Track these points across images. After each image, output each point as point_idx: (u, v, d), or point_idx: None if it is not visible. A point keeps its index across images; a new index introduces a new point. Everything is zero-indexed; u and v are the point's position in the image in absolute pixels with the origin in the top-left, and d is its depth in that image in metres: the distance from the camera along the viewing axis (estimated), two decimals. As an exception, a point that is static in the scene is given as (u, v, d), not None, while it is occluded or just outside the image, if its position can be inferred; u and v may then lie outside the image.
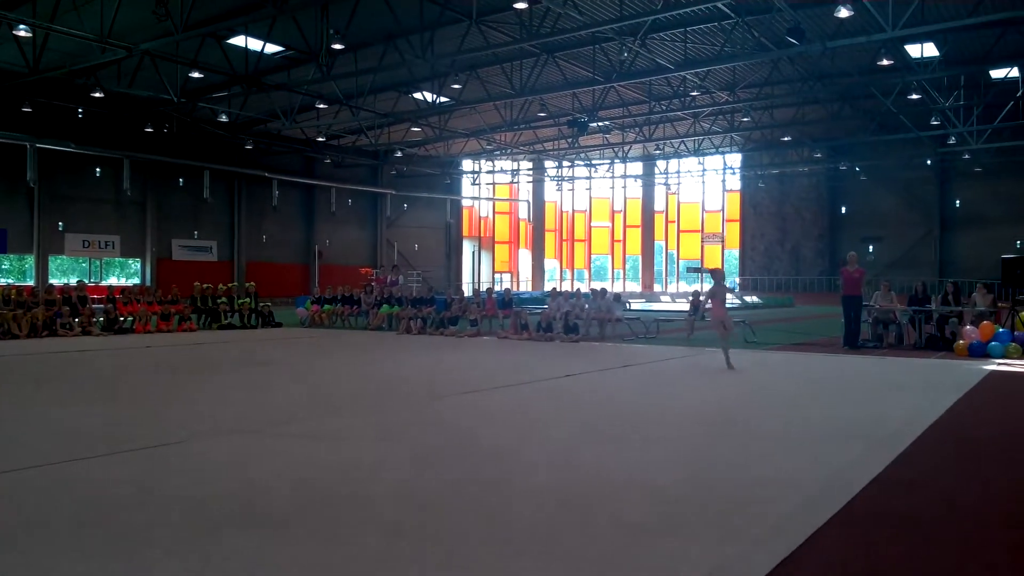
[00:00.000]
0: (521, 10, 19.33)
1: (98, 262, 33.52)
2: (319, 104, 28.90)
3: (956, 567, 3.46)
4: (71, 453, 5.53)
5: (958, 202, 40.55)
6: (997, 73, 27.53)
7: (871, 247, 41.63)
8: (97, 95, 25.66)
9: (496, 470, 5.21)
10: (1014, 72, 27.18)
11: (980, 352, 13.14)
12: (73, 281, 19.62)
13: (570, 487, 4.77)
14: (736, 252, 48.84)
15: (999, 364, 12.05)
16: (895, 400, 8.56)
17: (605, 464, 5.37)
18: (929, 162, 39.03)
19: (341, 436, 6.41)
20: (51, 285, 19.73)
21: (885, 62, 23.09)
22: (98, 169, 32.10)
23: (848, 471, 5.12)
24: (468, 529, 3.92)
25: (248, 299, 21.30)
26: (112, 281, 32.63)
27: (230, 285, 22.69)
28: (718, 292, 11.64)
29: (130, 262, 34.63)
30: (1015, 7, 20.12)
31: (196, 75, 24.03)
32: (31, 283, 28.15)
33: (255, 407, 7.91)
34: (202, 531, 3.85)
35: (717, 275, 12.22)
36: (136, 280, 33.43)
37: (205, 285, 21.27)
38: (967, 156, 36.63)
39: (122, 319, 18.71)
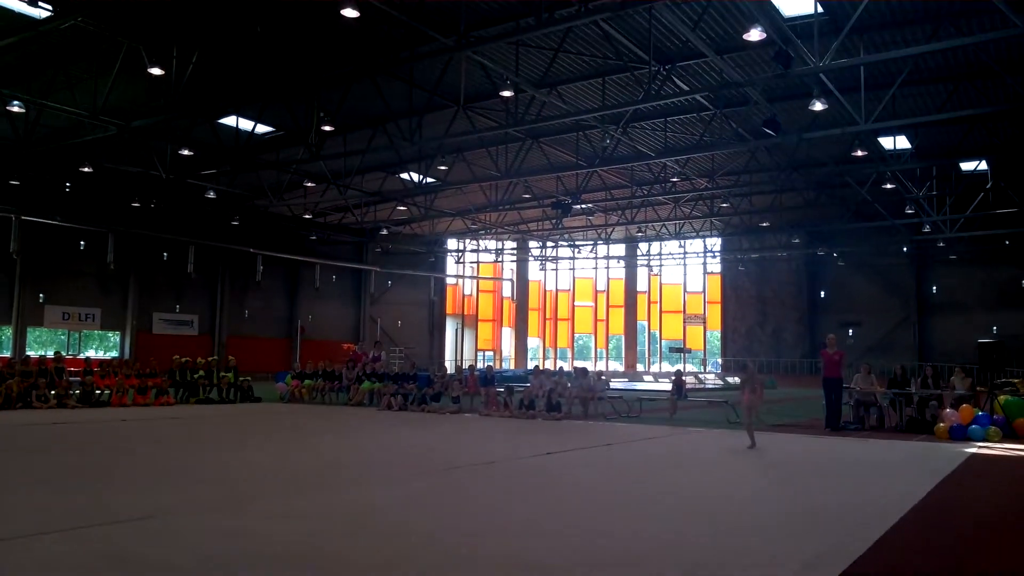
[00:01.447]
0: (507, 98, 19.93)
1: (77, 334, 33.21)
2: (307, 183, 29.34)
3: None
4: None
5: (935, 288, 41.26)
6: (967, 165, 28.50)
7: (850, 331, 42.06)
8: (86, 169, 25.95)
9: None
10: (983, 165, 28.14)
11: (961, 435, 13.19)
12: (50, 353, 19.38)
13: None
14: (718, 333, 49.15)
15: (980, 447, 12.09)
16: (877, 483, 8.56)
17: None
18: (905, 249, 39.87)
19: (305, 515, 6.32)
20: (27, 356, 19.50)
21: (859, 153, 23.87)
22: (82, 242, 32.16)
23: (827, 556, 5.09)
24: None
25: (228, 373, 21.12)
26: (90, 354, 32.24)
27: (210, 359, 22.49)
28: (747, 383, 12.09)
29: (110, 335, 34.33)
30: (980, 105, 21.02)
31: (186, 152, 24.39)
32: (7, 354, 27.79)
33: (218, 484, 7.78)
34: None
35: (748, 372, 12.69)
36: (115, 353, 33.09)
37: (184, 359, 21.09)
38: (941, 244, 37.46)
39: (99, 392, 18.46)
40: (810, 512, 6.69)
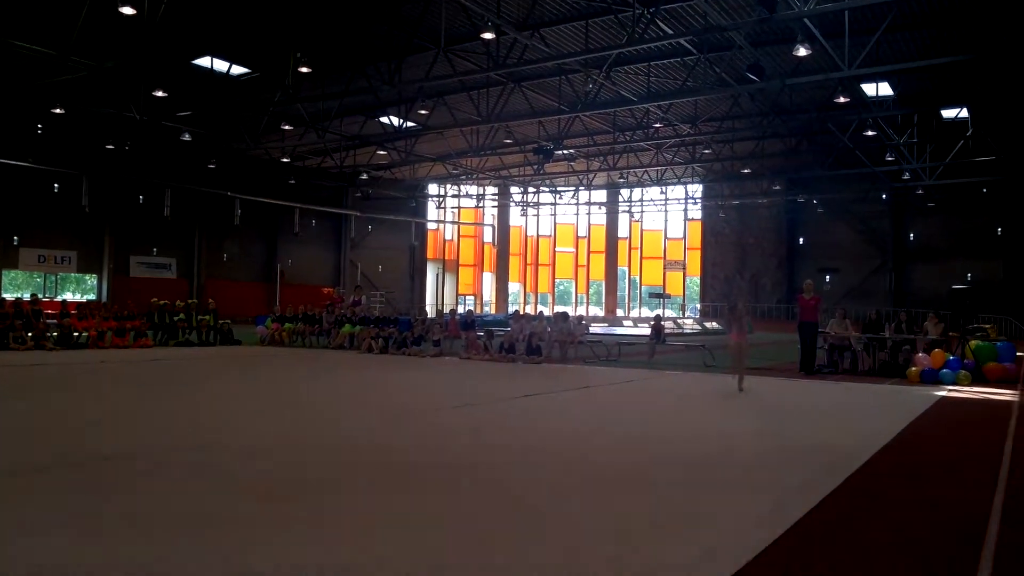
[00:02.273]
0: (488, 40, 19.60)
1: (53, 277, 32.86)
2: (284, 125, 28.86)
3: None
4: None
5: (912, 235, 41.67)
6: (948, 113, 28.56)
7: (827, 277, 42.53)
8: (58, 111, 25.34)
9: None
10: (963, 113, 28.21)
11: (931, 379, 13.51)
12: (27, 296, 19.20)
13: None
14: (697, 279, 49.54)
15: (950, 390, 12.39)
16: (848, 425, 8.78)
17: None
18: (884, 196, 40.13)
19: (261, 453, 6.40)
20: (3, 299, 19.31)
21: (842, 99, 23.84)
22: (56, 185, 31.58)
23: (801, 491, 5.25)
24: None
25: (207, 316, 21.04)
26: (67, 297, 31.97)
27: (189, 301, 22.39)
28: (735, 323, 12.11)
29: (86, 278, 34.01)
30: (963, 51, 20.98)
31: (160, 94, 23.87)
32: (-18, 298, 27.48)
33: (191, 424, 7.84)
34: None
35: (737, 312, 12.66)
36: (92, 296, 32.82)
37: (163, 301, 20.97)
38: (920, 191, 37.74)
39: (77, 334, 18.37)
40: (783, 451, 6.86)
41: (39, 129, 28.48)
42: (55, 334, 18.26)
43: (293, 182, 39.12)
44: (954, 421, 9.33)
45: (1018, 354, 16.79)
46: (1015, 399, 11.40)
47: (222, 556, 3.63)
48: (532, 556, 3.74)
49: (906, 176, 35.10)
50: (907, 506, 4.99)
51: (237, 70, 23.92)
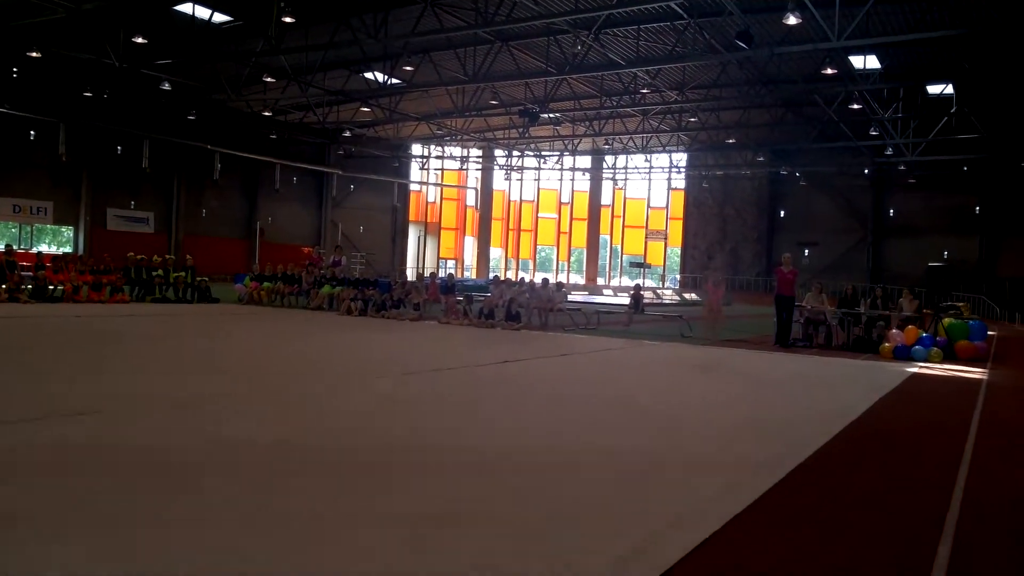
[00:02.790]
0: (477, -5, 19.27)
1: (29, 228, 32.36)
2: (266, 78, 28.32)
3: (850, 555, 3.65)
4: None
5: (891, 211, 41.93)
6: (934, 89, 28.56)
7: (806, 251, 42.79)
8: (34, 55, 24.68)
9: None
10: (949, 89, 28.23)
11: (904, 355, 13.67)
12: (1, 246, 18.88)
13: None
14: (678, 250, 49.68)
15: (921, 367, 12.55)
16: (820, 399, 8.88)
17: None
18: (866, 171, 40.24)
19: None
20: (-24, 249, 18.98)
21: (829, 71, 23.73)
22: (32, 132, 30.94)
23: (771, 463, 5.30)
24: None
25: (184, 272, 20.79)
26: (43, 248, 31.51)
27: (166, 257, 22.13)
28: (712, 277, 12.13)
29: (63, 229, 33.52)
30: (952, 26, 20.90)
31: (140, 40, 23.30)
32: (-46, 246, 27.00)
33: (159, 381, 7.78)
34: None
35: (714, 264, 12.63)
36: (68, 248, 32.36)
37: (139, 256, 20.70)
38: (902, 167, 37.87)
39: (52, 287, 18.12)
40: (756, 422, 6.93)
41: (14, 73, 27.76)
42: (29, 287, 18.00)
43: (274, 137, 38.57)
44: (922, 398, 9.46)
45: (990, 333, 17.05)
46: (984, 377, 11.57)
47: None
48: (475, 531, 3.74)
49: (889, 151, 35.18)
50: (870, 483, 5.05)
51: (219, 18, 23.37)
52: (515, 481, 4.54)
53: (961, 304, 29.60)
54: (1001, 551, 3.85)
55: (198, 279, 21.16)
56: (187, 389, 7.12)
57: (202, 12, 22.61)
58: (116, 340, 11.29)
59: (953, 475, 5.21)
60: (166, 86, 28.58)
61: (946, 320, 15.58)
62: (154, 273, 20.26)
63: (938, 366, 12.91)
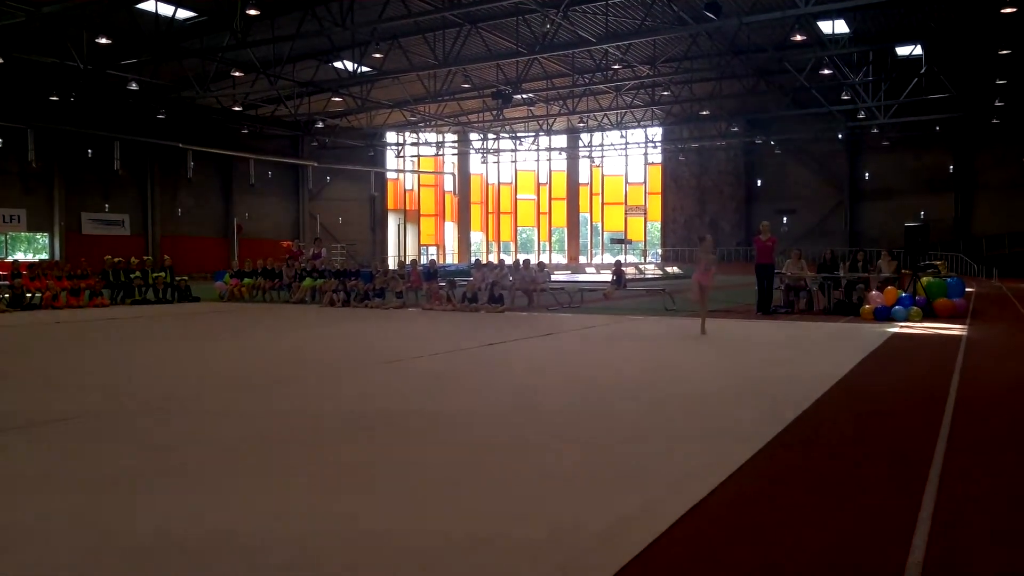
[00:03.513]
0: (443, -22, 19.13)
1: (3, 237, 31.94)
2: (235, 72, 28.03)
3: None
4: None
5: (867, 174, 42.27)
6: (903, 50, 28.72)
7: (785, 219, 43.09)
8: (-4, 61, 24.33)
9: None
10: (918, 50, 28.39)
11: (885, 315, 13.82)
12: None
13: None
14: (658, 224, 49.84)
15: (901, 327, 12.70)
16: (804, 362, 8.98)
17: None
18: (840, 136, 40.50)
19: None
20: (-51, 261, 18.76)
21: (798, 37, 23.82)
22: (0, 139, 30.46)
23: (761, 424, 5.37)
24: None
25: (163, 273, 20.60)
26: (19, 256, 31.13)
27: (144, 258, 21.93)
28: (703, 259, 12.14)
29: (37, 236, 33.12)
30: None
31: (104, 41, 22.95)
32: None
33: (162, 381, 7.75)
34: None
35: (705, 244, 12.63)
36: (44, 256, 31.99)
37: (117, 259, 20.50)
38: (875, 130, 38.17)
39: (30, 295, 17.92)
40: (742, 388, 7.00)
41: (-24, 81, 27.34)
42: (7, 296, 17.79)
43: (247, 131, 38.22)
44: (904, 357, 9.59)
45: (967, 290, 17.28)
46: (963, 333, 11.74)
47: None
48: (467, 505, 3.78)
49: (861, 115, 35.41)
50: (854, 443, 5.14)
51: (183, 14, 23.06)
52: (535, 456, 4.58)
53: (938, 263, 30.00)
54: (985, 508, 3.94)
55: (177, 278, 20.98)
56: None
57: (165, 9, 22.31)
58: (132, 339, 11.20)
59: (934, 438, 5.31)
60: (133, 86, 28.22)
61: (924, 279, 15.76)
62: (132, 275, 20.05)
63: (918, 324, 13.08)
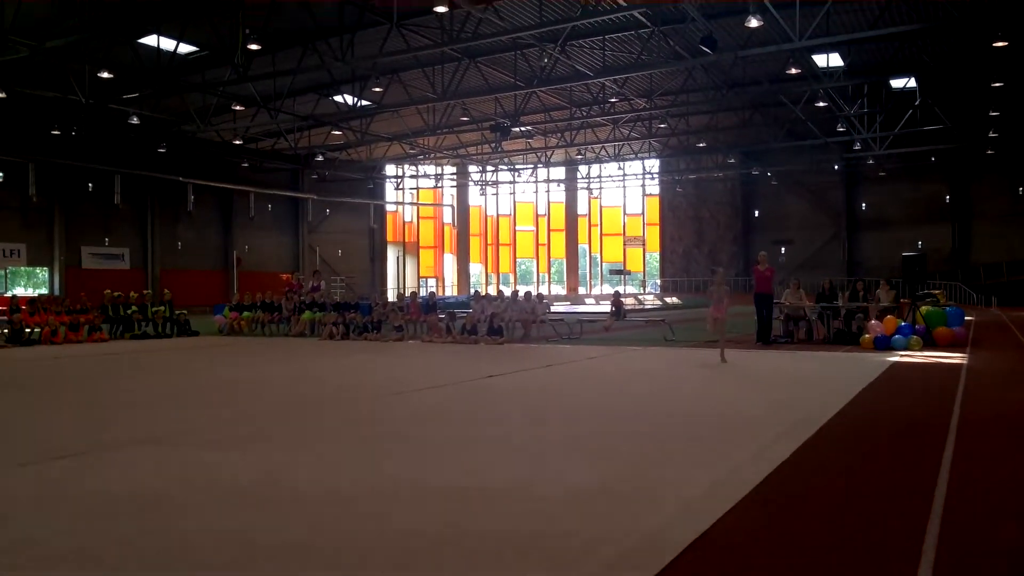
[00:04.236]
0: (442, 14, 19.37)
1: (3, 272, 31.96)
2: (235, 106, 28.29)
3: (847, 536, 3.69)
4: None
5: (863, 205, 42.49)
6: (897, 83, 29.04)
7: (782, 249, 43.21)
8: (-2, 95, 24.51)
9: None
10: (912, 82, 28.71)
11: (884, 345, 13.79)
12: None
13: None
14: (657, 255, 49.97)
15: (902, 356, 12.68)
16: (804, 392, 8.95)
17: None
18: (836, 167, 40.79)
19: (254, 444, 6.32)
20: (-52, 295, 18.74)
21: (793, 71, 24.08)
22: (1, 174, 30.63)
23: (755, 458, 5.33)
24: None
25: (163, 307, 20.56)
26: (18, 291, 31.11)
27: (144, 292, 21.91)
28: (715, 292, 12.20)
29: (37, 271, 33.14)
30: (911, 21, 21.29)
31: (106, 75, 23.17)
32: (-74, 293, 26.65)
33: (159, 419, 7.70)
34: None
35: (717, 278, 12.73)
36: (44, 290, 31.99)
37: (116, 293, 20.48)
38: (871, 161, 38.43)
39: (28, 330, 17.88)
40: (742, 419, 6.96)
41: (-21, 115, 27.55)
42: (6, 331, 17.75)
43: (247, 165, 38.46)
44: (906, 386, 9.56)
45: (966, 318, 17.29)
46: (963, 362, 11.72)
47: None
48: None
49: (857, 146, 35.70)
50: (856, 473, 5.10)
51: (184, 48, 23.30)
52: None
53: (937, 291, 30.02)
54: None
55: (176, 312, 20.93)
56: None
57: (167, 44, 22.53)
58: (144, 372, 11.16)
59: (936, 465, 5.28)
60: (134, 120, 28.46)
61: (924, 308, 15.76)
62: (131, 310, 20.01)
63: (918, 353, 13.05)
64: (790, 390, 9.17)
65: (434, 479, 4.84)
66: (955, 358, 12.26)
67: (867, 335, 14.26)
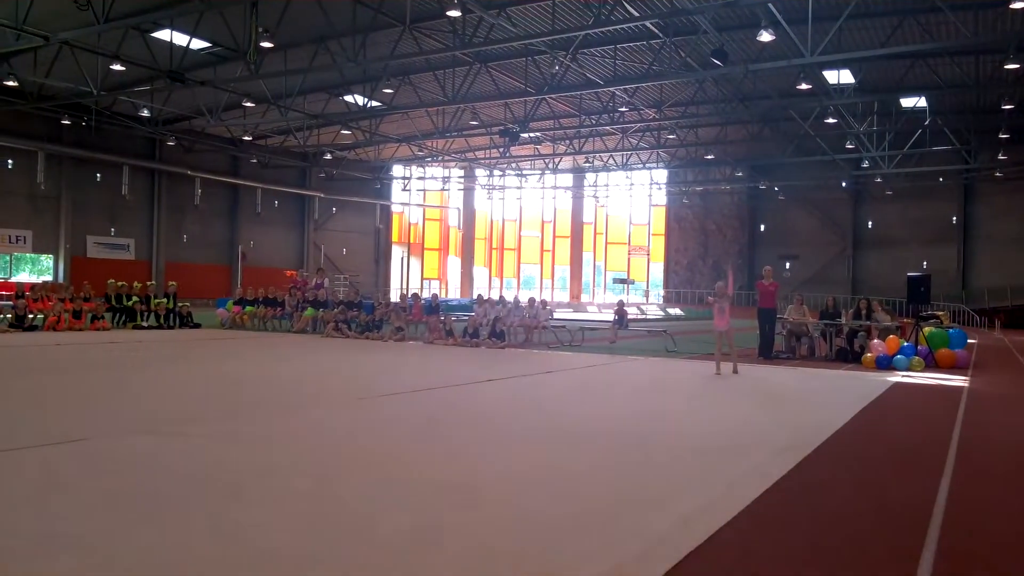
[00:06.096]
0: (454, 18, 19.40)
1: (8, 257, 32.04)
2: (246, 102, 28.34)
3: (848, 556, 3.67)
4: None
5: (870, 223, 42.39)
6: (907, 102, 29.02)
7: (788, 264, 43.13)
8: (11, 84, 24.56)
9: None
10: (922, 102, 28.68)
11: (886, 364, 13.76)
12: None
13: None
14: (661, 265, 49.91)
15: (903, 376, 12.64)
16: (803, 410, 8.92)
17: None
18: (844, 184, 40.72)
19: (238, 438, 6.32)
20: (-47, 279, 18.80)
21: (804, 86, 24.06)
22: (10, 161, 30.73)
23: (751, 475, 5.32)
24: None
25: (166, 299, 20.60)
26: (23, 277, 31.18)
27: (147, 283, 21.94)
28: (719, 301, 12.31)
29: (42, 258, 33.20)
30: (923, 41, 21.30)
31: (118, 68, 23.25)
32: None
33: (153, 407, 7.71)
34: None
35: (719, 290, 12.79)
36: (48, 277, 32.05)
37: (120, 283, 20.52)
38: (879, 179, 38.36)
39: (31, 316, 17.93)
40: (740, 435, 6.94)
41: (-9, 102, 27.63)
42: (9, 316, 17.81)
43: (255, 161, 38.54)
44: (906, 407, 9.53)
45: (969, 341, 17.23)
46: (965, 385, 11.68)
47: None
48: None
49: (865, 164, 35.65)
50: (852, 495, 5.08)
51: (197, 44, 23.36)
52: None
53: (940, 313, 29.94)
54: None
55: (179, 304, 20.97)
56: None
57: (180, 39, 22.59)
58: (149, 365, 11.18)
59: (935, 488, 5.26)
60: (145, 112, 28.51)
61: (927, 329, 15.72)
62: (133, 300, 20.05)
63: (920, 374, 13.01)
64: (790, 406, 9.15)
65: (422, 476, 4.83)
66: (957, 381, 12.21)
67: (869, 354, 14.24)
